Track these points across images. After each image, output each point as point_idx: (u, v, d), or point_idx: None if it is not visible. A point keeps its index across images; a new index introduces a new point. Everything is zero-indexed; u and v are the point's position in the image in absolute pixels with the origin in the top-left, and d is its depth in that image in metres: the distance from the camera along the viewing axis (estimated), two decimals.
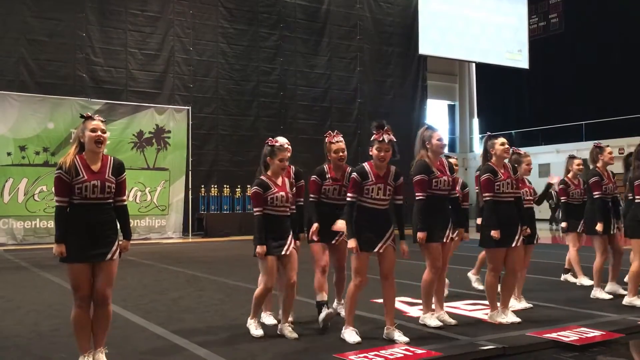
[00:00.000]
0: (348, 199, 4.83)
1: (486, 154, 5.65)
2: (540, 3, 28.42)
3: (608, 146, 7.08)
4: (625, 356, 4.81)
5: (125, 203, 4.27)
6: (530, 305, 6.14)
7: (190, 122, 18.41)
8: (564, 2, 27.58)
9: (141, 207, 17.16)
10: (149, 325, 5.54)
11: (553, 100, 27.33)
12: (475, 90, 30.26)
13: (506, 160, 5.69)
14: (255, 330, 4.96)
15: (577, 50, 26.52)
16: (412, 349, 4.46)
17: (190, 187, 18.33)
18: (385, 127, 4.81)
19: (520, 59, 26.36)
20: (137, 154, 17.19)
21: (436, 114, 28.54)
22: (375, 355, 4.32)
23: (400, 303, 6.39)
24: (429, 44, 23.84)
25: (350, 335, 4.77)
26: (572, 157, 7.88)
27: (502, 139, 5.62)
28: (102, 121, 4.19)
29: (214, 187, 18.67)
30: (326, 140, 5.48)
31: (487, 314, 5.61)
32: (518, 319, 5.42)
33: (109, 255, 4.05)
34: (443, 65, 27.30)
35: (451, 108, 30.37)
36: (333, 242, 5.42)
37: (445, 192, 5.29)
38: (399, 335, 4.78)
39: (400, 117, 21.94)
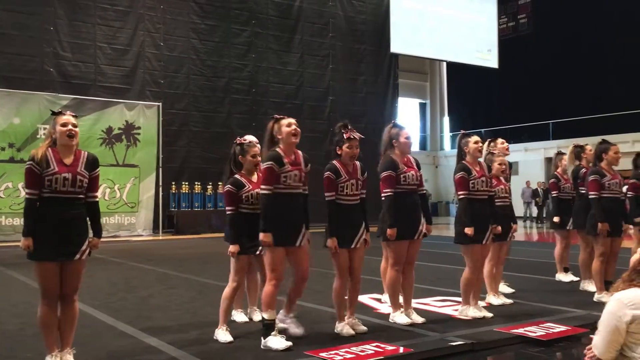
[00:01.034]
0: (329, 198, 4.85)
1: (460, 152, 5.70)
2: (510, 3, 28.81)
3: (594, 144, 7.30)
4: None
5: (97, 199, 4.22)
6: (510, 301, 6.22)
7: (160, 119, 18.21)
8: (532, 2, 28.00)
9: (110, 204, 16.92)
10: (117, 324, 5.47)
11: (521, 100, 27.78)
12: (446, 89, 30.63)
13: (481, 159, 5.76)
14: (225, 337, 4.72)
15: (546, 51, 26.98)
16: (382, 345, 4.49)
17: (160, 184, 18.13)
18: (349, 126, 4.94)
19: (489, 58, 26.69)
20: (106, 150, 16.93)
21: (407, 112, 28.76)
22: (346, 352, 4.34)
23: (370, 300, 6.43)
24: (400, 43, 23.97)
25: (345, 328, 4.87)
26: (560, 154, 8.02)
27: (475, 137, 5.69)
28: (73, 116, 4.15)
29: (185, 184, 18.51)
30: (276, 117, 4.71)
31: (456, 310, 5.68)
32: (489, 314, 5.51)
33: (78, 255, 4.00)
34: (414, 64, 27.53)
35: (422, 106, 30.68)
36: (298, 244, 4.61)
37: (414, 187, 5.29)
38: (358, 324, 4.97)
39: (371, 115, 22.07)
